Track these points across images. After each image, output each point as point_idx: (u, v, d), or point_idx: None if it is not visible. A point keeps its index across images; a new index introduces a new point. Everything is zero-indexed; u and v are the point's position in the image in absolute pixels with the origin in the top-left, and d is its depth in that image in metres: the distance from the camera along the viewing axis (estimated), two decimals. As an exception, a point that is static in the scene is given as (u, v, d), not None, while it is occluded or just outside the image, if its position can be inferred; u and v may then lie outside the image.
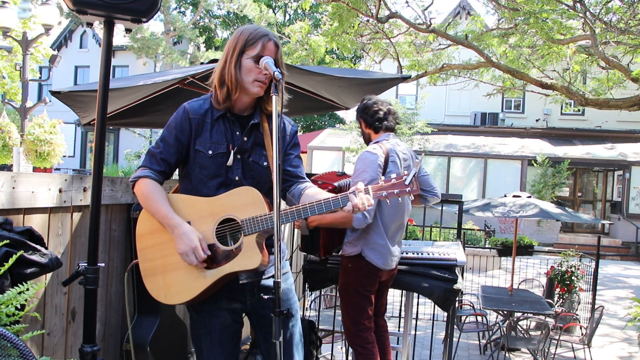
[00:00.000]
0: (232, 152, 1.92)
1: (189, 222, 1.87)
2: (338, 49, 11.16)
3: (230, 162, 1.91)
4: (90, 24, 1.86)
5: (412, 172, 1.81)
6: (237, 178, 1.92)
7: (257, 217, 1.82)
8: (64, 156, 8.15)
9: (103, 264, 2.42)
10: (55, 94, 3.77)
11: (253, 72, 1.87)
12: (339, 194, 1.81)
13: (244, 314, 2.06)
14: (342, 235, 3.07)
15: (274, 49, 1.89)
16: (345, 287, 3.04)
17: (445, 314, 3.55)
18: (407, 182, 1.80)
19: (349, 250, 2.99)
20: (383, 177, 1.85)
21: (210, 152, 1.91)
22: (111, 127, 20.50)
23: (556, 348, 5.17)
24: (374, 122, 3.10)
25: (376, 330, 3.19)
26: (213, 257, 1.85)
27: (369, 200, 1.76)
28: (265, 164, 1.96)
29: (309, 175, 3.16)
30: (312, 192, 1.94)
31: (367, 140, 3.18)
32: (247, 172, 1.94)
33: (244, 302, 1.98)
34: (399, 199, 1.83)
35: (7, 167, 11.95)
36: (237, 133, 1.94)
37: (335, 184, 3.01)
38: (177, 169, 2.04)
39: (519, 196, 5.56)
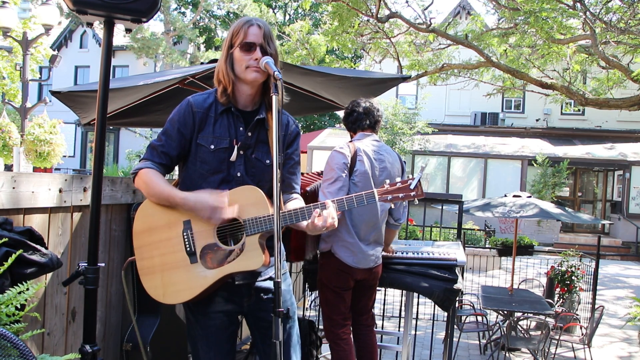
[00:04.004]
0: (235, 147, 1.89)
1: (189, 220, 1.85)
2: (338, 49, 11.17)
3: (233, 157, 1.89)
4: (90, 24, 1.86)
5: (417, 177, 1.82)
6: (239, 174, 1.90)
7: (261, 217, 1.79)
8: (64, 156, 8.13)
9: (103, 264, 2.41)
10: (55, 94, 3.77)
11: (243, 60, 1.86)
12: (305, 207, 1.85)
13: (239, 315, 2.05)
14: (316, 238, 3.06)
15: (258, 31, 1.87)
16: (320, 283, 3.09)
17: (445, 314, 3.55)
18: (411, 187, 1.81)
19: (321, 247, 3.03)
20: (388, 181, 1.85)
21: (212, 146, 1.89)
22: (111, 127, 20.51)
23: (556, 348, 5.17)
24: (349, 123, 3.15)
25: (359, 328, 3.19)
26: (214, 257, 1.83)
27: (333, 220, 1.77)
28: (267, 161, 1.93)
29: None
30: (293, 207, 1.94)
31: None
32: (249, 169, 1.92)
33: (240, 304, 1.96)
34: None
35: (8, 167, 11.94)
36: (241, 129, 1.91)
37: (308, 188, 3.03)
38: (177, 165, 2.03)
39: (519, 196, 5.56)
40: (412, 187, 1.81)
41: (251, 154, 1.93)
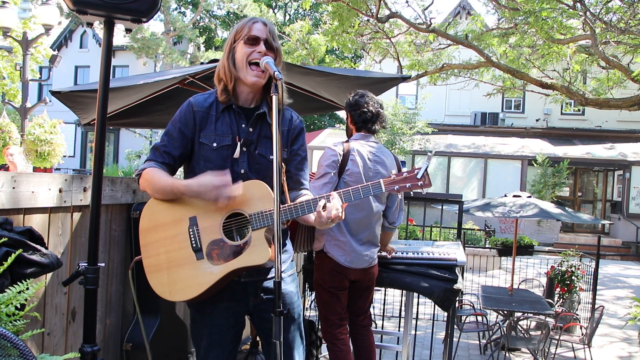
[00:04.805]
0: (238, 143, 1.89)
1: (195, 217, 1.84)
2: (338, 49, 11.18)
3: (236, 154, 1.89)
4: (90, 24, 1.86)
5: (424, 166, 1.80)
6: (242, 171, 1.90)
7: (266, 211, 1.79)
8: (64, 156, 8.15)
9: (103, 264, 2.41)
10: (55, 94, 3.78)
11: (245, 54, 1.87)
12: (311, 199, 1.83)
13: (246, 315, 2.04)
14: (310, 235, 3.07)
15: (263, 27, 1.89)
16: (316, 283, 3.09)
17: (445, 314, 3.55)
18: (419, 176, 1.80)
19: (315, 246, 3.03)
20: (394, 172, 1.84)
21: (214, 144, 1.89)
22: (111, 127, 20.51)
23: (556, 348, 5.17)
24: (359, 122, 3.11)
25: (356, 328, 3.19)
26: (220, 253, 1.82)
27: (337, 211, 1.76)
28: (271, 157, 1.91)
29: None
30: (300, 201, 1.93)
31: (349, 135, 3.18)
32: (252, 165, 1.92)
33: (246, 304, 1.96)
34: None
35: (5, 167, 11.92)
36: (243, 125, 1.92)
37: None
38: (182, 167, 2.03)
39: (519, 196, 5.56)
40: (419, 176, 1.79)
41: (254, 150, 1.93)
